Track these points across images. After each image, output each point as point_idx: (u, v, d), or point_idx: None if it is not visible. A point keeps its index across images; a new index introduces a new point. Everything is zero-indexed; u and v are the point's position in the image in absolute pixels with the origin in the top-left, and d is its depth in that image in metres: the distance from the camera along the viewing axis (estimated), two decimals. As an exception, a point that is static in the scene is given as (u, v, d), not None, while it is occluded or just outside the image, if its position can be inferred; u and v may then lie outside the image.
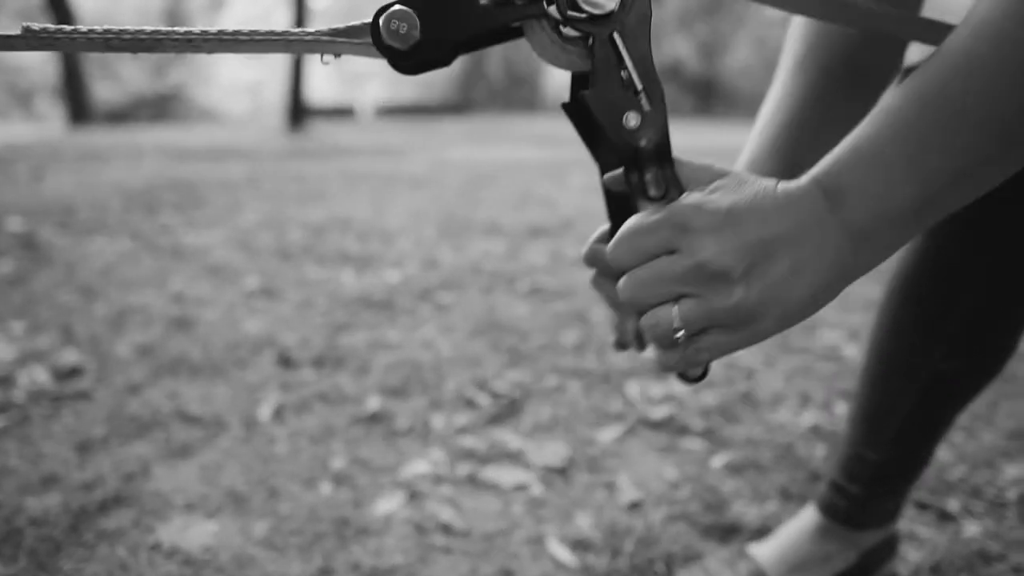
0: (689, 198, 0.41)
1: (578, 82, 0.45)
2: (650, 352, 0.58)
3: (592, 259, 0.57)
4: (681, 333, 0.40)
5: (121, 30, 0.35)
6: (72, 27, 0.34)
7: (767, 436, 1.36)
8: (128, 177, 5.34)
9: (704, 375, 0.47)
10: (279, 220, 3.61)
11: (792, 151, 0.63)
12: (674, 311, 0.40)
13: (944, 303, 0.75)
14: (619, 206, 0.50)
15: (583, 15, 0.39)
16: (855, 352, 1.79)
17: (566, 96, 0.47)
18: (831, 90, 0.63)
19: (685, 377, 0.47)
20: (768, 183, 0.41)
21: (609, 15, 0.39)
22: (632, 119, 0.41)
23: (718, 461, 1.27)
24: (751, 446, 1.32)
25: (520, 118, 21.54)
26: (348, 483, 1.19)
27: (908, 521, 1.09)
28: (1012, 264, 0.71)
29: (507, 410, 1.46)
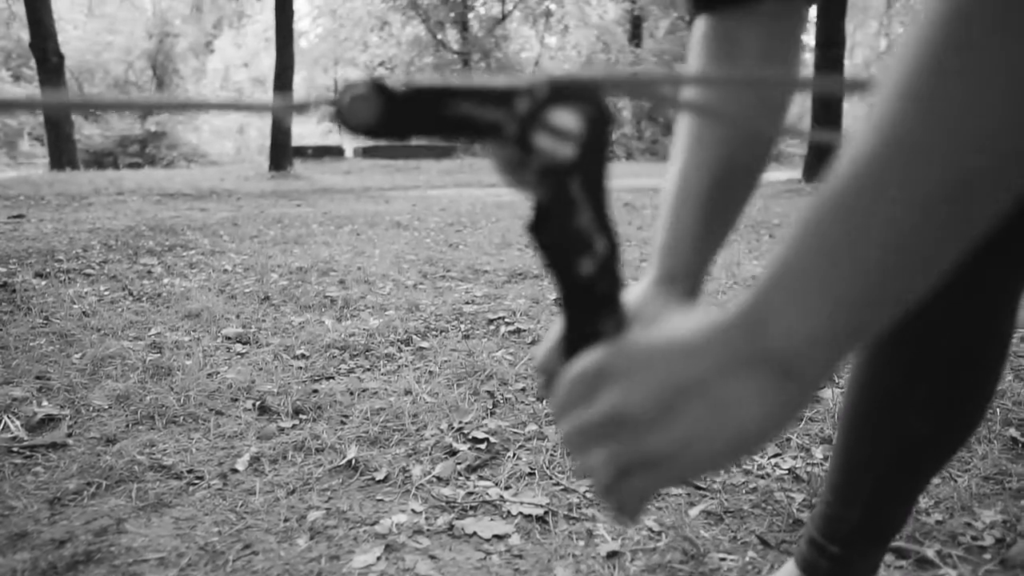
0: (610, 344, 0.40)
1: (541, 208, 0.44)
2: None
3: (544, 369, 0.55)
4: (607, 480, 0.40)
5: (84, 99, 0.36)
6: (25, 96, 0.35)
7: (746, 482, 1.36)
8: (110, 220, 5.32)
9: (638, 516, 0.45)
10: (260, 264, 3.60)
11: (695, 249, 0.66)
12: (598, 456, 0.40)
13: (914, 365, 0.76)
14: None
15: (540, 162, 0.39)
16: (834, 394, 1.80)
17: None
18: (725, 183, 0.66)
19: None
20: (687, 322, 0.39)
21: (565, 165, 0.39)
22: (586, 266, 0.40)
23: (697, 508, 1.26)
24: (730, 492, 1.32)
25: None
26: (325, 536, 1.17)
27: (886, 568, 1.09)
28: (983, 326, 0.73)
29: (486, 458, 1.45)
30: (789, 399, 0.37)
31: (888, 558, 1.12)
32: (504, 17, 23.44)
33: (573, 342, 0.45)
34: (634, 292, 0.63)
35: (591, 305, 0.42)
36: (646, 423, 0.38)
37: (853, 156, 0.34)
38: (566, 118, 0.39)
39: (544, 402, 0.49)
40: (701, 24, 0.67)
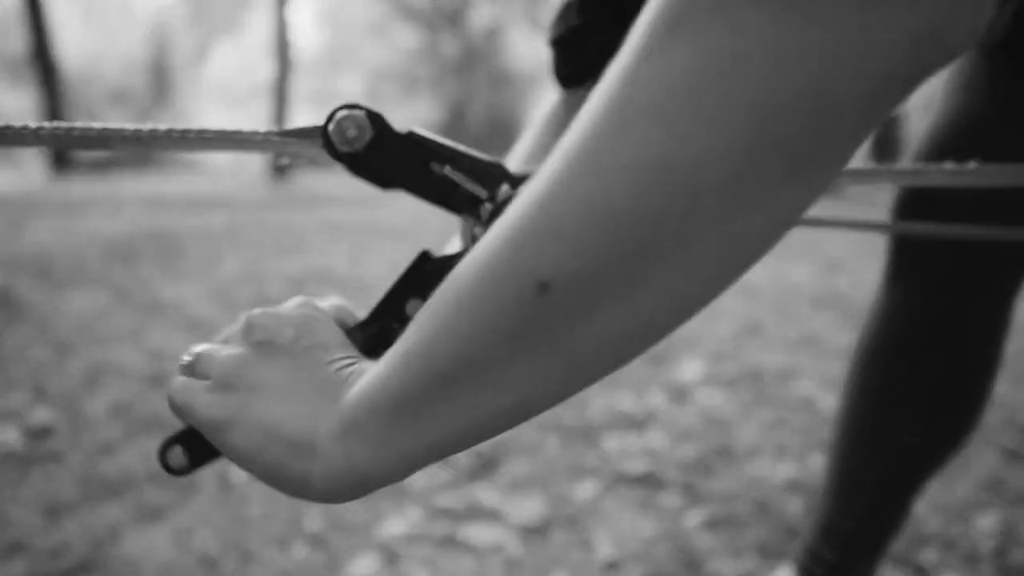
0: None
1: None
2: None
3: None
4: (185, 358, 0.38)
5: (69, 127, 0.36)
6: (21, 125, 0.35)
7: (744, 490, 1.36)
8: (107, 228, 5.32)
9: (182, 471, 0.42)
10: (258, 272, 3.61)
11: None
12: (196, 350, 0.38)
13: (906, 377, 0.77)
14: None
15: None
16: (830, 403, 1.81)
17: None
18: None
19: (167, 467, 0.42)
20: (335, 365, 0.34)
21: None
22: None
23: (695, 517, 1.26)
24: (728, 500, 1.32)
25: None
26: (323, 545, 1.17)
27: (884, 575, 1.09)
28: (975, 334, 0.73)
29: (484, 466, 1.45)
30: (347, 452, 0.30)
31: (886, 566, 1.12)
32: (500, 27, 23.54)
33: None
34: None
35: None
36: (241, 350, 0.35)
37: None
38: None
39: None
40: (556, 97, 0.63)
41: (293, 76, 13.81)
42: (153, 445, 1.53)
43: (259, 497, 1.32)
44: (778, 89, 0.21)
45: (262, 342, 0.35)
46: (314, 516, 1.26)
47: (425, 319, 0.29)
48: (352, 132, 0.37)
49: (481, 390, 0.28)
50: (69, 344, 2.27)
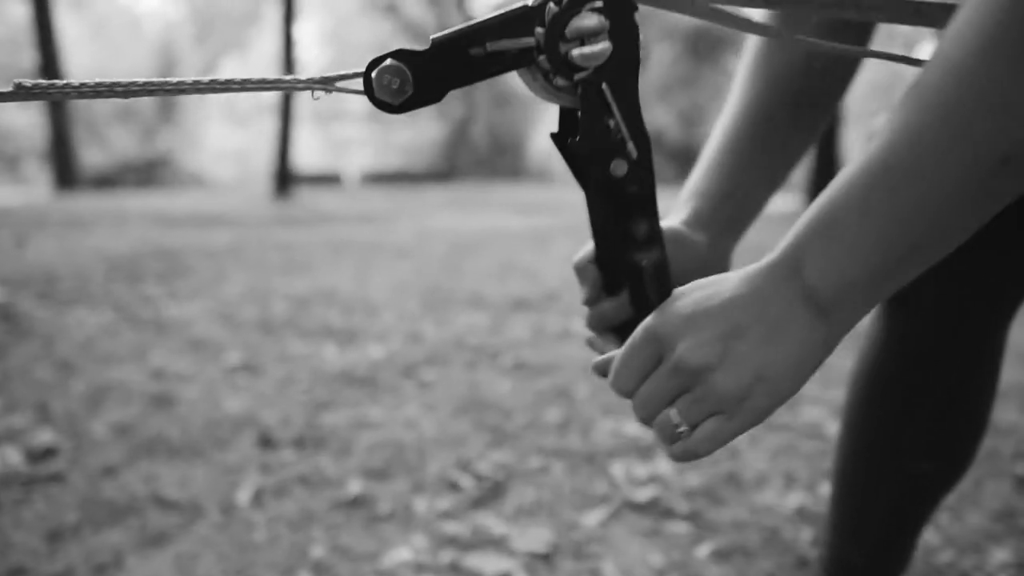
0: (658, 310, 0.44)
1: (567, 115, 0.45)
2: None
3: (582, 274, 0.58)
4: (683, 428, 0.43)
5: (113, 82, 0.36)
6: (64, 82, 0.35)
7: (753, 519, 1.35)
8: (112, 244, 5.33)
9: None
10: (263, 291, 3.60)
11: (733, 171, 0.64)
12: (672, 411, 0.43)
13: (906, 405, 0.76)
14: (604, 241, 0.51)
15: (571, 70, 0.40)
16: (837, 429, 1.79)
17: (553, 147, 0.47)
18: (774, 112, 0.64)
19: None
20: (729, 274, 0.43)
21: (597, 69, 0.40)
22: (619, 167, 0.42)
23: (704, 547, 1.25)
24: (737, 530, 1.31)
25: (504, 185, 21.84)
26: (328, 573, 1.16)
27: (897, 611, 1.07)
28: (972, 360, 0.72)
29: (490, 493, 1.44)
30: (831, 330, 0.41)
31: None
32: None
33: (607, 251, 0.49)
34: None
35: (624, 207, 0.43)
36: (712, 369, 0.41)
37: (898, 124, 0.37)
38: (590, 19, 0.39)
39: (589, 311, 0.52)
40: None
41: (298, 94, 13.87)
42: (155, 468, 1.52)
43: (263, 522, 1.31)
44: None
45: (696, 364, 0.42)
46: (319, 544, 1.24)
47: (882, 205, 0.37)
48: (394, 82, 0.38)
49: (939, 247, 0.38)
50: (72, 363, 2.26)
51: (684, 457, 0.44)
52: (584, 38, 0.39)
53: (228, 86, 0.38)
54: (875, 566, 0.85)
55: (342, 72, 0.39)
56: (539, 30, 0.39)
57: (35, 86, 0.35)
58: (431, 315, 3.11)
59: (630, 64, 0.40)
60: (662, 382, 0.43)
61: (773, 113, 0.64)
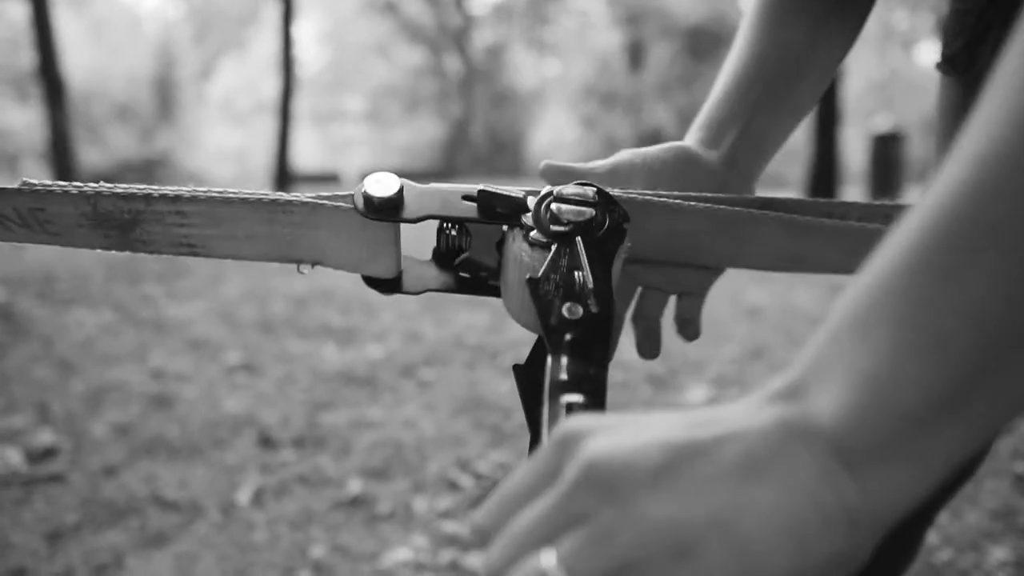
0: (608, 422, 0.26)
1: (539, 349, 0.45)
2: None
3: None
4: None
5: (112, 188, 0.39)
6: (65, 184, 0.37)
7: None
8: (111, 245, 5.33)
9: None
10: (262, 291, 3.61)
11: (767, 91, 0.54)
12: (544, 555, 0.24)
13: None
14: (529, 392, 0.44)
15: (556, 227, 0.42)
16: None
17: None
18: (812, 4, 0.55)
19: None
20: (714, 411, 0.26)
21: (578, 224, 0.42)
22: (571, 310, 0.38)
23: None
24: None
25: (503, 183, 21.71)
26: (328, 573, 1.16)
27: (896, 610, 1.08)
28: None
29: (490, 492, 1.44)
30: (868, 499, 0.25)
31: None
32: (503, 45, 23.71)
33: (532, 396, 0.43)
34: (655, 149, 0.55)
35: (561, 351, 0.37)
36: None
37: (941, 190, 0.25)
38: (576, 189, 0.43)
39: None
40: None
41: (297, 93, 13.89)
42: (155, 468, 1.52)
43: (263, 522, 1.31)
44: None
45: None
46: (319, 543, 1.24)
47: (920, 291, 0.24)
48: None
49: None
50: (72, 363, 2.26)
51: None
52: (570, 201, 0.42)
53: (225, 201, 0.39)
54: (876, 566, 0.85)
55: (335, 193, 0.46)
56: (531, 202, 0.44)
57: (40, 184, 0.38)
58: (430, 315, 3.11)
59: (611, 236, 0.42)
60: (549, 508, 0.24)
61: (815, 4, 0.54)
